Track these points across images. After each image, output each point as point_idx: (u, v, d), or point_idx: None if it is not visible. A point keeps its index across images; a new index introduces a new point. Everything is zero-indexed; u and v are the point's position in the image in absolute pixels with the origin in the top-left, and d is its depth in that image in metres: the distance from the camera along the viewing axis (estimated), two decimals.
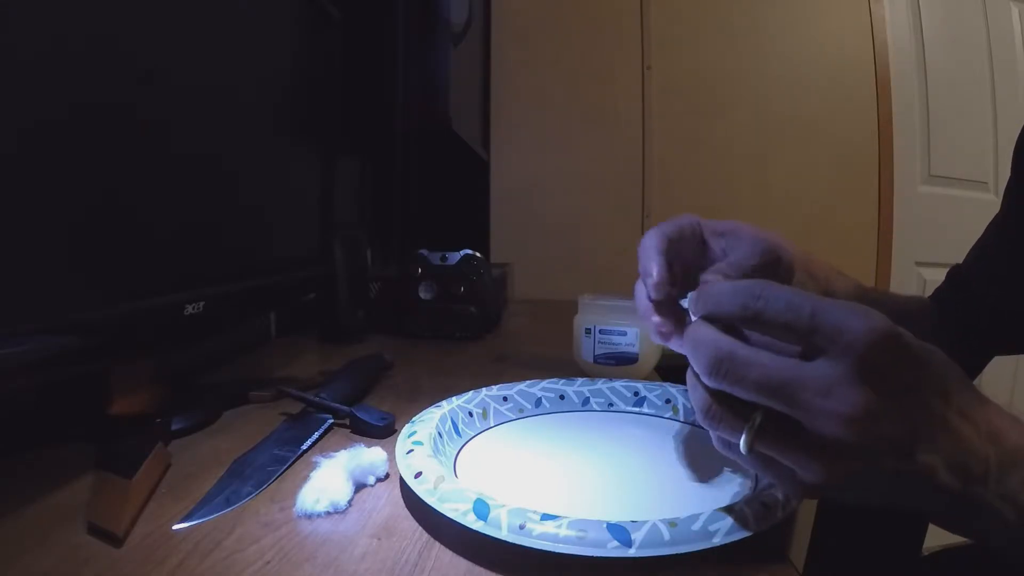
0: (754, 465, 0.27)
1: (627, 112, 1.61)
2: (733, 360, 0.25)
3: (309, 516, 0.34)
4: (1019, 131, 0.53)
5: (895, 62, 1.65)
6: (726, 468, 0.41)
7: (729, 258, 0.39)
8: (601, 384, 0.54)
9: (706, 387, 0.27)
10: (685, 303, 0.32)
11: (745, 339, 0.27)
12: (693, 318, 0.30)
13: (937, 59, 1.71)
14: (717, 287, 0.28)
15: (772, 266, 0.39)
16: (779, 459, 0.26)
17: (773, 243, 0.40)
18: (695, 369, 0.27)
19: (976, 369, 0.55)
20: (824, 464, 0.24)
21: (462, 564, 0.30)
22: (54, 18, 0.34)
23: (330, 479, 0.36)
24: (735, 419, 0.26)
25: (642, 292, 0.38)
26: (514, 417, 0.50)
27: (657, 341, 0.37)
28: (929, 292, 0.59)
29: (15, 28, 0.31)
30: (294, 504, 0.35)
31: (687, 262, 0.40)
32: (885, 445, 0.24)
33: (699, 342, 0.26)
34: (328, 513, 0.35)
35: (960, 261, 0.58)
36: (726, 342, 0.25)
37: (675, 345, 0.36)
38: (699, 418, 0.28)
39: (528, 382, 0.53)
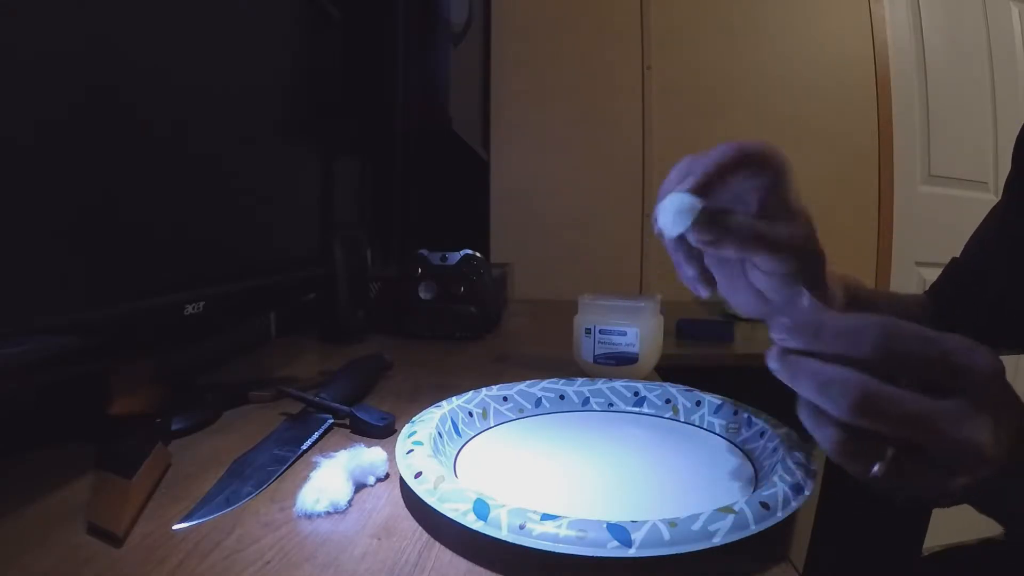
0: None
1: (627, 112, 1.61)
2: (878, 399, 0.25)
3: (309, 516, 0.34)
4: (1019, 128, 0.53)
5: (895, 62, 1.65)
6: (726, 468, 0.41)
7: (790, 229, 0.37)
8: (601, 384, 0.54)
9: (835, 423, 0.27)
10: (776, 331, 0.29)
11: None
12: (776, 337, 0.28)
13: (937, 59, 1.71)
14: (834, 322, 0.27)
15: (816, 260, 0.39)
16: (901, 480, 0.27)
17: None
18: (824, 405, 0.27)
19: None
20: (938, 482, 0.27)
21: (462, 564, 0.30)
22: (54, 18, 0.34)
23: (330, 479, 0.36)
24: (866, 456, 0.27)
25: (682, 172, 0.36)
26: (514, 417, 0.50)
27: (699, 292, 0.38)
28: None
29: (15, 28, 0.31)
30: (294, 504, 0.35)
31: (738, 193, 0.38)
32: (994, 463, 0.26)
33: (832, 380, 0.26)
34: (328, 513, 0.35)
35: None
36: (869, 382, 0.26)
37: (782, 375, 0.31)
38: (829, 453, 0.28)
39: (528, 382, 0.53)
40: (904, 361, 0.26)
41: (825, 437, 0.28)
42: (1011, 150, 0.54)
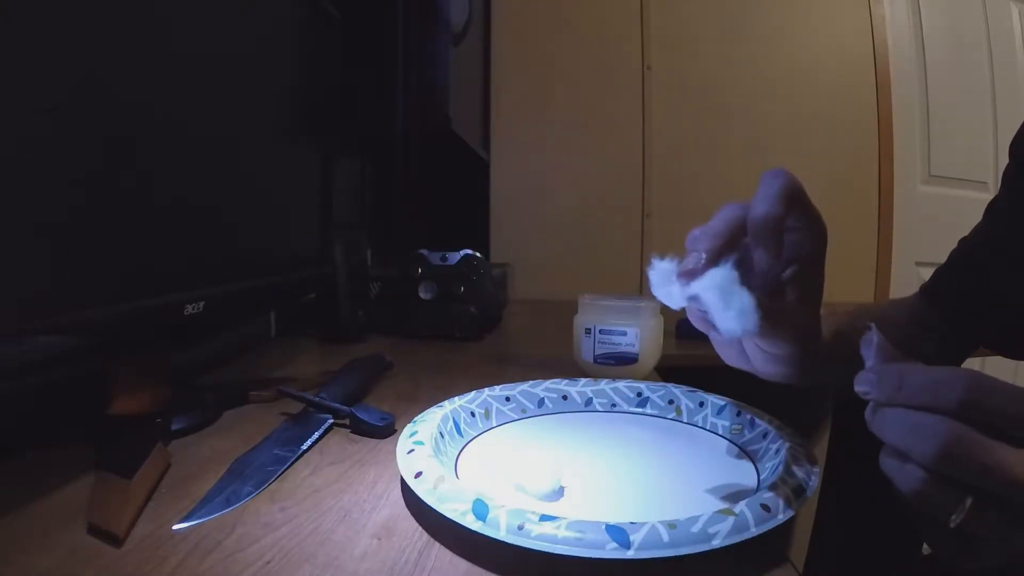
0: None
1: (627, 112, 1.61)
2: (967, 446, 0.25)
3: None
4: (1019, 126, 0.52)
5: (895, 62, 1.65)
6: (728, 470, 0.41)
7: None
8: (604, 385, 0.54)
9: (918, 468, 0.27)
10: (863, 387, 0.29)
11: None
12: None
13: (937, 59, 1.72)
14: (914, 377, 0.27)
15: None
16: (976, 532, 0.27)
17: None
18: (911, 450, 0.27)
19: (962, 359, 0.55)
20: (1013, 534, 0.26)
21: (462, 564, 0.30)
22: (57, 16, 0.34)
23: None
24: (947, 503, 0.27)
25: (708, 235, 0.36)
26: (517, 417, 0.50)
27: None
28: None
29: (18, 16, 0.31)
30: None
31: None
32: None
33: (920, 425, 0.26)
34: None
35: None
36: (958, 428, 0.26)
37: (872, 427, 0.31)
38: (910, 499, 0.28)
39: (531, 382, 0.53)
40: (990, 416, 0.26)
41: (908, 482, 0.27)
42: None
